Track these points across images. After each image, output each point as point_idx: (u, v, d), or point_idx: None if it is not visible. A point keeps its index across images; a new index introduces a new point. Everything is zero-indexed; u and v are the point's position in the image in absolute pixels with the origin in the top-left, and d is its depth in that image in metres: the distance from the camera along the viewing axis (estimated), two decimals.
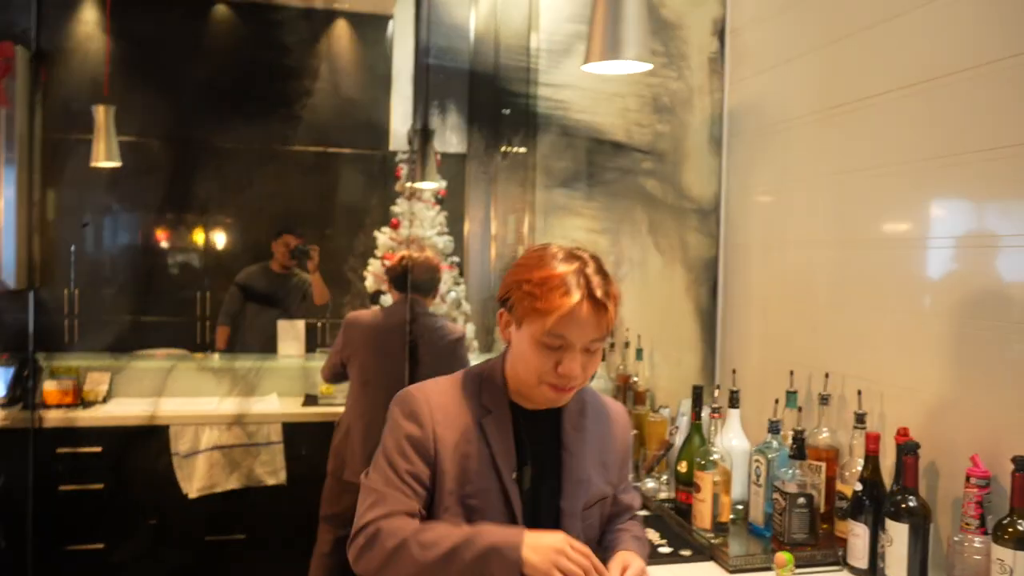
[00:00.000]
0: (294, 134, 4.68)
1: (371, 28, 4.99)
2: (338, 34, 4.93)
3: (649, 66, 2.22)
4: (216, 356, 4.31)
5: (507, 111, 3.33)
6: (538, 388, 1.50)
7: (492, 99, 3.61)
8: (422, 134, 4.02)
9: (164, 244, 4.74)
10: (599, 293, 1.44)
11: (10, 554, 3.32)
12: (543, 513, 1.55)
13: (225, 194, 4.70)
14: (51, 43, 4.17)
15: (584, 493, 1.59)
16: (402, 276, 3.45)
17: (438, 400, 1.53)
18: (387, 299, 3.77)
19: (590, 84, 2.95)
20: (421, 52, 3.52)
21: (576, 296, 1.43)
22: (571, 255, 1.50)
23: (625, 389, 2.99)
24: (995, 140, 1.80)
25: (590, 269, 1.47)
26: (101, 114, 3.58)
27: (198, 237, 4.80)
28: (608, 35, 2.13)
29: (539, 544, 1.39)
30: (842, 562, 1.99)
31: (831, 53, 2.40)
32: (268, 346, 4.34)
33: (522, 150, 3.24)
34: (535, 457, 1.56)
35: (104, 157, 3.57)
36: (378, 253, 4.10)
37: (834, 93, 2.37)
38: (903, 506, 1.77)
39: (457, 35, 4.04)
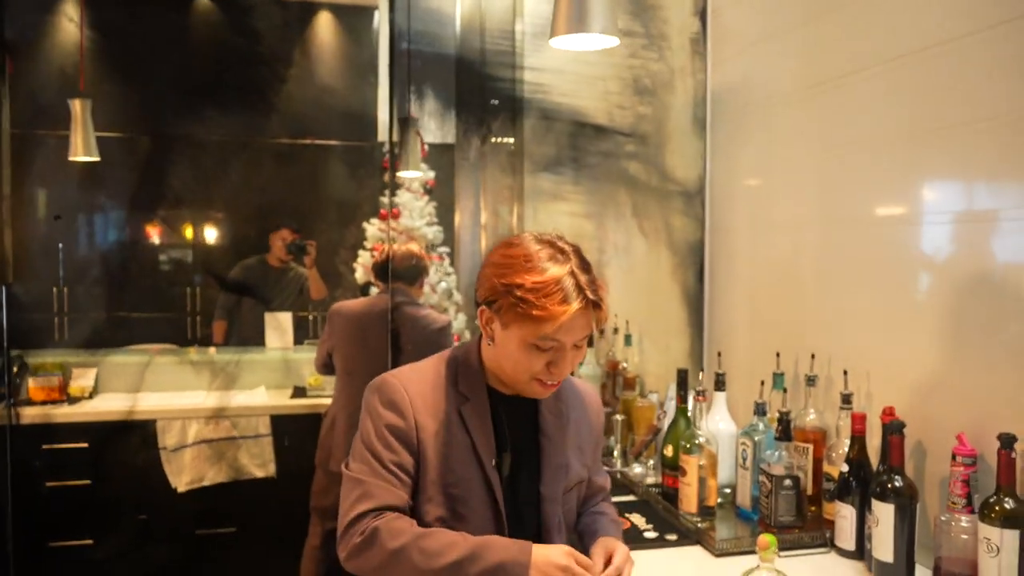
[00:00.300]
0: (281, 127, 4.64)
1: (356, 20, 4.95)
2: (322, 26, 4.89)
3: (616, 41, 2.18)
4: (211, 350, 4.28)
5: (495, 101, 3.29)
6: (527, 384, 1.48)
7: (478, 86, 3.57)
8: (402, 122, 3.98)
9: (151, 239, 4.70)
10: (592, 295, 1.42)
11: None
12: (523, 499, 1.53)
13: (212, 188, 4.66)
14: (19, 35, 4.10)
15: (563, 477, 1.58)
16: (384, 267, 3.43)
17: (417, 388, 1.50)
18: (375, 291, 3.75)
19: (572, 67, 2.92)
20: (398, 37, 3.48)
21: (576, 304, 1.40)
22: (556, 252, 1.45)
23: (614, 375, 2.96)
24: (979, 113, 1.78)
25: (578, 267, 1.44)
26: (77, 108, 3.53)
27: (186, 232, 4.76)
28: (573, 7, 2.09)
29: (547, 562, 1.37)
30: (830, 544, 1.98)
31: (812, 30, 2.37)
32: (257, 339, 4.32)
33: (509, 140, 3.21)
34: (514, 443, 1.54)
35: (82, 152, 3.52)
36: (367, 245, 4.07)
37: (816, 71, 2.34)
38: (889, 486, 1.74)
39: (440, 20, 4.00)
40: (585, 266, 1.46)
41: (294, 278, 4.52)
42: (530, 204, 3.14)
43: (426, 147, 4.13)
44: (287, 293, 4.51)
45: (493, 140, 3.58)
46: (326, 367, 3.49)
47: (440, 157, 4.35)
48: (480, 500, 1.48)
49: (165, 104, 4.43)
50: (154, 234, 4.72)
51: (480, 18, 3.69)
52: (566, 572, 1.37)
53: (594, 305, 1.42)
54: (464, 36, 4.00)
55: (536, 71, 2.95)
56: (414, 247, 3.67)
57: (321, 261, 4.44)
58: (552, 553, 1.39)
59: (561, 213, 3.05)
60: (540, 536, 1.55)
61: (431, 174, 4.21)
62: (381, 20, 4.67)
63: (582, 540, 1.63)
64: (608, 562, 1.49)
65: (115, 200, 4.54)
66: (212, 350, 4.26)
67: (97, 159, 3.64)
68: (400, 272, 3.43)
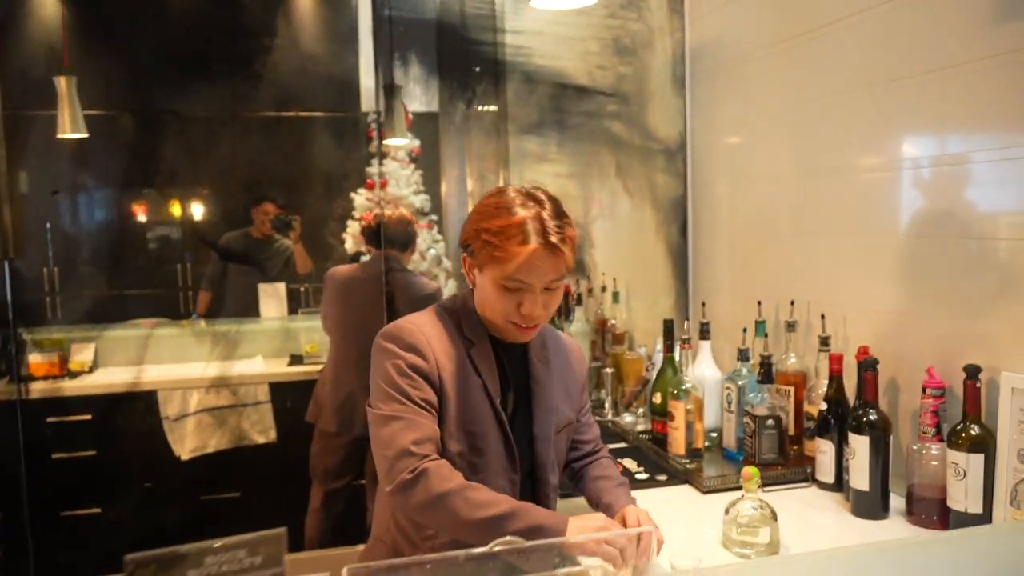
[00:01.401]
0: (263, 98, 4.63)
1: None
2: None
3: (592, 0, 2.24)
4: (202, 322, 4.34)
5: (477, 68, 3.34)
6: (504, 326, 1.57)
7: (460, 51, 3.61)
8: (387, 90, 4.01)
9: (140, 216, 4.73)
10: (554, 238, 1.50)
11: (8, 523, 3.38)
12: (519, 437, 1.62)
13: (197, 162, 4.66)
14: (4, 13, 4.10)
15: (553, 418, 1.68)
16: (376, 232, 3.50)
17: (430, 331, 1.58)
18: (367, 259, 3.81)
19: (552, 29, 2.97)
20: (380, 4, 3.50)
21: (533, 243, 1.49)
22: (528, 198, 1.54)
23: (603, 332, 3.05)
24: (949, 60, 1.85)
25: (547, 213, 1.52)
26: (63, 84, 3.54)
27: (174, 208, 4.78)
28: None
29: (583, 525, 1.45)
30: (811, 479, 2.08)
31: None
32: (249, 310, 4.37)
33: (492, 107, 3.26)
34: (511, 386, 1.63)
35: (70, 129, 3.53)
36: (356, 215, 4.12)
37: (790, 24, 2.40)
38: (864, 420, 1.84)
39: None
40: (558, 213, 1.54)
41: (279, 250, 4.57)
42: (515, 168, 3.20)
43: (411, 115, 4.17)
44: (271, 264, 4.56)
45: (477, 106, 3.63)
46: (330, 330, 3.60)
47: (425, 125, 4.39)
48: (495, 437, 1.58)
49: (150, 78, 4.42)
50: (142, 211, 4.75)
51: None
52: (602, 532, 1.42)
53: (555, 247, 1.49)
54: (444, 1, 4.03)
55: (517, 34, 3.00)
56: (406, 213, 3.73)
57: (310, 233, 4.48)
58: (589, 521, 1.47)
59: (546, 174, 3.12)
60: (534, 473, 1.65)
61: (416, 142, 4.25)
62: None
63: (590, 501, 1.74)
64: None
65: (104, 177, 4.56)
66: (203, 323, 4.33)
67: (85, 135, 3.67)
68: (392, 238, 3.50)
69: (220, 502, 3.67)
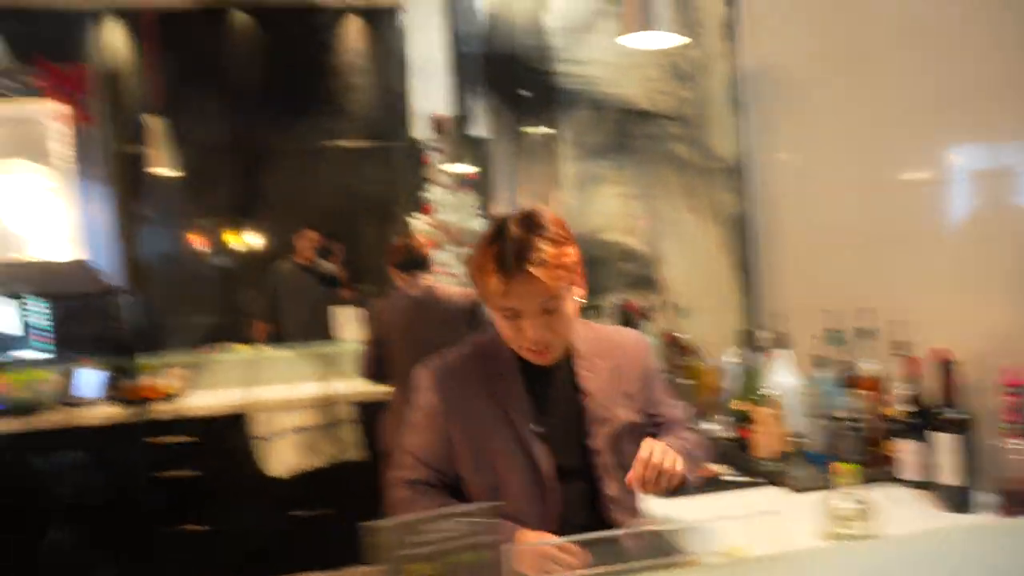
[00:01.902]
0: (327, 130, 4.83)
1: (381, 20, 5.07)
2: (351, 29, 5.03)
3: (686, 39, 2.39)
4: (288, 345, 4.51)
5: (529, 93, 3.49)
6: (522, 352, 1.62)
7: (513, 80, 3.76)
8: (445, 119, 4.17)
9: (229, 247, 4.93)
10: (525, 263, 1.49)
11: (124, 538, 3.59)
12: (570, 455, 1.65)
13: (283, 193, 4.83)
14: (106, 59, 4.36)
15: (605, 428, 1.67)
16: (407, 260, 3.57)
17: (451, 369, 1.67)
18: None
19: (612, 58, 3.13)
20: (460, 40, 3.68)
21: (500, 271, 1.50)
22: (495, 226, 1.57)
23: (673, 347, 3.17)
24: (997, 79, 1.97)
25: (514, 236, 1.52)
26: (153, 124, 3.77)
27: (254, 239, 4.98)
28: (639, 7, 2.30)
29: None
30: (894, 479, 2.18)
31: (836, 8, 2.56)
32: (313, 334, 4.54)
33: (550, 132, 3.41)
34: (554, 405, 1.66)
35: (161, 165, 3.75)
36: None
37: (841, 45, 2.53)
38: (946, 419, 1.95)
39: (473, 19, 4.18)
40: (524, 233, 1.52)
41: (323, 273, 4.74)
42: (581, 190, 3.34)
43: (467, 141, 4.33)
44: (319, 288, 4.73)
45: (532, 130, 3.78)
46: (375, 369, 3.58)
47: (482, 150, 4.54)
48: (520, 464, 1.61)
49: (243, 116, 4.63)
50: (229, 242, 4.96)
51: (511, 14, 3.89)
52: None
53: (524, 272, 1.48)
54: (504, 32, 4.19)
55: (577, 63, 3.16)
56: (414, 238, 3.84)
57: (368, 261, 4.65)
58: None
59: (611, 196, 3.26)
60: (594, 484, 1.67)
61: (473, 168, 4.41)
62: (413, 20, 4.82)
63: None
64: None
65: (198, 209, 4.79)
66: (292, 345, 4.49)
67: (176, 172, 3.88)
68: (411, 262, 3.55)
69: (313, 519, 3.83)
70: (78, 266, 3.21)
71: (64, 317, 4.15)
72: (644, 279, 3.03)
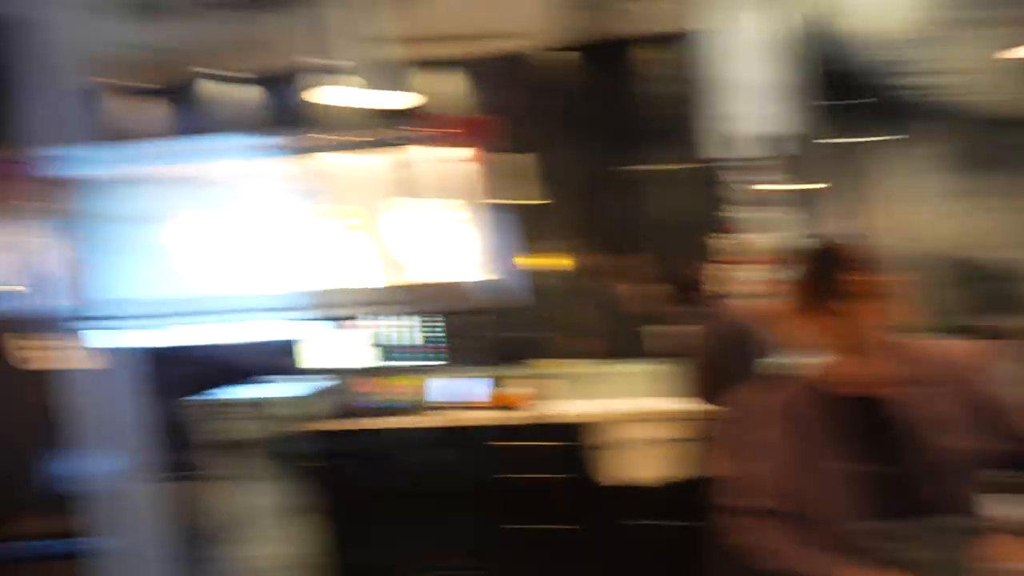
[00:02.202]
0: (656, 155, 4.91)
1: (694, 43, 4.95)
2: (668, 55, 4.96)
3: None
4: (632, 360, 4.62)
5: (870, 106, 3.32)
6: (846, 387, 1.58)
7: (851, 94, 3.57)
8: (785, 139, 4.07)
9: (578, 270, 5.26)
10: (830, 298, 1.51)
11: (493, 534, 4.13)
12: (905, 504, 1.54)
13: (617, 220, 5.08)
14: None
15: (947, 468, 1.53)
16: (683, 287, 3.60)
17: (788, 401, 1.65)
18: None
19: (968, 67, 2.91)
20: (787, 57, 3.63)
21: (811, 311, 1.54)
22: (812, 257, 1.60)
23: None
24: None
25: (824, 269, 1.54)
26: (523, 161, 4.35)
27: (597, 262, 5.21)
28: None
29: None
30: None
31: None
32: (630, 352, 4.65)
33: (890, 143, 3.22)
34: (874, 447, 1.56)
35: (530, 197, 4.34)
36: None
37: None
38: None
39: (803, 34, 4.04)
40: (832, 267, 1.53)
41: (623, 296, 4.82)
42: (932, 204, 3.11)
43: (803, 158, 4.19)
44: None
45: (871, 143, 3.58)
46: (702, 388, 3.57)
47: (809, 167, 4.34)
48: (855, 501, 1.55)
49: (589, 148, 4.97)
50: (574, 264, 5.29)
51: (863, 26, 3.73)
52: None
53: (836, 304, 1.50)
54: (838, 46, 4.03)
55: (931, 74, 2.97)
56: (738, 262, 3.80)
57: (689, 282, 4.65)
58: None
59: (976, 209, 3.01)
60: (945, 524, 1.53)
61: (801, 186, 4.23)
62: (727, 43, 4.66)
63: None
64: None
65: (554, 235, 5.22)
66: (634, 360, 4.59)
67: (542, 201, 4.39)
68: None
69: (649, 527, 4.04)
70: (475, 286, 3.75)
71: (455, 330, 4.77)
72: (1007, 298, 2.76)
